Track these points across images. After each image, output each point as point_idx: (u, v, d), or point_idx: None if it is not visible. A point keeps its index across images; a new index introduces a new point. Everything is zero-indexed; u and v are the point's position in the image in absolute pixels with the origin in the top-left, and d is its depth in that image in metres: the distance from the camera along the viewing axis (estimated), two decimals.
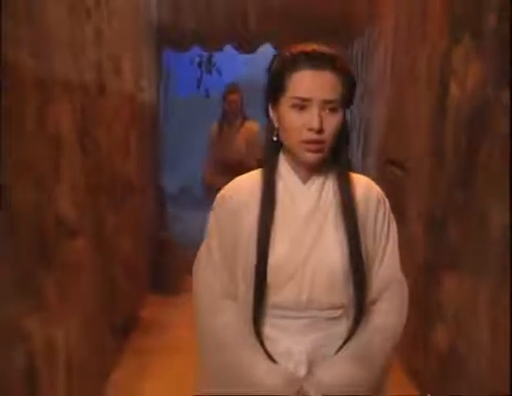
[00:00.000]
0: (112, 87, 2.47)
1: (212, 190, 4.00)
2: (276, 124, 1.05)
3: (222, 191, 1.12)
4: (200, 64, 4.47)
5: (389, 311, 1.09)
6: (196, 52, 4.19)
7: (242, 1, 3.80)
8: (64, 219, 1.78)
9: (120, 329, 2.71)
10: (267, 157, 1.10)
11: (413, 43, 2.64)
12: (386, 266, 1.09)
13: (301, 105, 0.98)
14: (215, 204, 1.13)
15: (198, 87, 4.72)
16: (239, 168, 3.57)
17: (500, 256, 1.71)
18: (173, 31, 3.81)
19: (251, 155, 3.60)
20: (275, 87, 1.02)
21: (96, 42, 2.19)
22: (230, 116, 3.65)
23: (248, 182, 1.11)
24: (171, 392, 2.25)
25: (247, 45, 3.98)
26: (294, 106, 0.99)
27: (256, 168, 1.13)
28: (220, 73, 4.47)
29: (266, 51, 4.00)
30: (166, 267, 3.63)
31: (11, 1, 1.34)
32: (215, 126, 3.77)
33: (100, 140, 2.26)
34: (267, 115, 1.08)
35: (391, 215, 1.11)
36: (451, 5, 2.13)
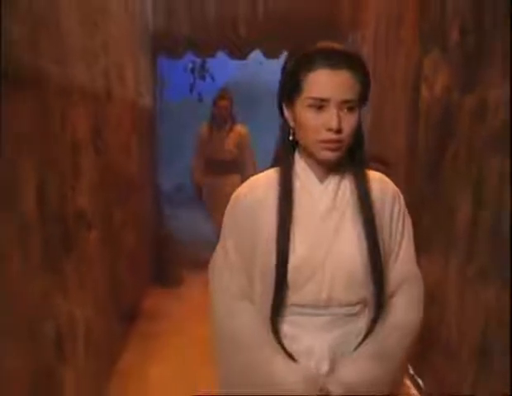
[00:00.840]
0: (117, 94, 2.69)
1: (201, 189, 4.23)
2: (291, 124, 1.05)
3: (237, 191, 1.12)
4: (193, 70, 4.68)
5: (406, 307, 1.09)
6: (190, 58, 4.39)
7: (233, 10, 4.02)
8: (83, 213, 2.00)
9: (126, 316, 2.93)
10: (282, 157, 1.08)
11: (391, 50, 2.89)
12: (402, 262, 1.09)
13: (319, 105, 0.97)
14: (230, 204, 1.12)
15: (191, 91, 4.93)
16: (230, 168, 3.81)
17: (464, 239, 1.96)
18: (167, 39, 4.02)
19: (242, 156, 3.84)
20: (290, 87, 1.01)
21: (103, 52, 2.42)
22: (220, 120, 3.83)
23: (264, 181, 1.10)
24: (173, 369, 2.50)
25: (238, 52, 4.20)
26: (311, 105, 0.98)
27: (269, 168, 1.12)
28: (213, 78, 4.69)
29: (256, 57, 4.24)
30: (167, 261, 3.85)
31: (34, 14, 1.56)
32: (204, 127, 3.93)
33: (108, 142, 2.48)
34: (282, 115, 1.08)
35: (406, 211, 1.11)
36: (422, 20, 2.38)
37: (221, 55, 4.28)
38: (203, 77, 4.82)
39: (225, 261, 1.10)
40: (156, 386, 2.39)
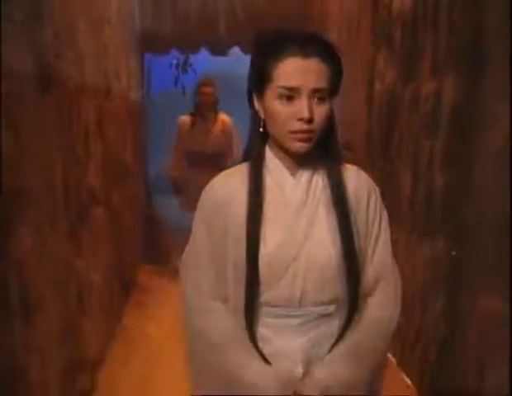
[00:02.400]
0: (114, 90, 3.07)
1: (181, 184, 3.76)
2: (262, 115, 1.01)
3: (207, 186, 1.08)
4: (177, 66, 5.05)
5: (383, 303, 1.07)
6: (174, 55, 4.76)
7: (213, 10, 4.40)
8: (93, 190, 2.39)
9: (125, 287, 3.33)
10: (253, 149, 1.04)
11: (352, 49, 3.32)
12: (379, 257, 1.06)
13: (289, 94, 0.93)
14: (200, 199, 1.08)
15: (176, 84, 5.30)
16: (216, 161, 3.81)
17: (409, 213, 2.41)
18: (153, 37, 4.38)
19: (229, 146, 3.59)
20: (260, 77, 0.97)
21: (104, 53, 2.79)
22: (204, 109, 3.57)
23: (235, 175, 1.06)
24: (166, 327, 2.86)
25: (218, 49, 4.59)
26: (281, 95, 0.94)
27: (241, 162, 1.08)
28: (195, 72, 5.06)
29: (237, 53, 4.62)
30: (156, 241, 4.24)
31: (56, 22, 1.94)
32: (184, 120, 3.67)
33: (108, 133, 2.86)
34: (251, 105, 1.03)
35: (382, 204, 1.08)
36: (375, 22, 2.82)
37: (203, 52, 4.65)
38: (185, 71, 5.19)
39: (196, 259, 1.07)
40: (154, 340, 2.80)
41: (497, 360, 1.63)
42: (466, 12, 1.88)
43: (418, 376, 2.27)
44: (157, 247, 4.30)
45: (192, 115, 3.64)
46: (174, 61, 4.96)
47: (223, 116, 3.68)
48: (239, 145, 3.55)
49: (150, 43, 4.37)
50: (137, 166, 3.96)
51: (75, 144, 2.13)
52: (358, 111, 3.16)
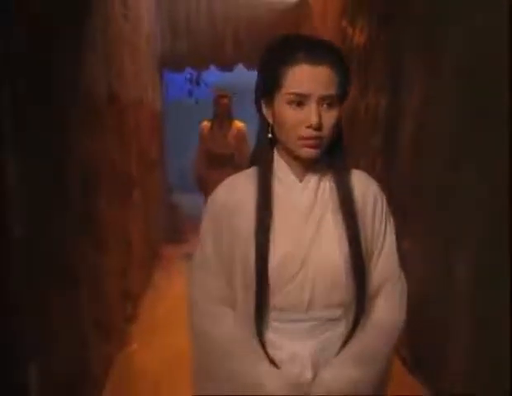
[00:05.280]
0: (145, 101, 3.98)
1: (204, 181, 4.51)
2: (270, 121, 1.02)
3: (215, 190, 1.09)
4: (191, 80, 6.01)
5: (389, 307, 1.08)
6: (188, 71, 5.71)
7: (221, 34, 5.31)
8: (132, 176, 3.30)
9: (151, 258, 4.22)
10: (261, 155, 1.05)
11: None
12: (385, 261, 1.08)
13: (299, 101, 0.94)
14: (207, 205, 1.09)
15: (190, 95, 6.29)
16: (230, 162, 4.65)
17: None
18: (171, 57, 5.30)
19: (240, 150, 4.05)
20: (269, 83, 0.98)
21: (138, 72, 3.69)
22: (221, 116, 4.14)
23: (242, 180, 1.07)
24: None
25: (225, 65, 5.50)
26: (291, 102, 0.95)
27: (248, 166, 1.09)
28: (207, 85, 6.01)
29: (241, 69, 5.53)
30: (176, 224, 5.16)
31: (102, 47, 2.85)
32: (205, 125, 4.24)
33: (141, 133, 3.77)
34: (260, 111, 1.04)
35: (388, 210, 1.09)
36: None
37: (212, 68, 5.58)
38: (198, 84, 6.14)
39: (204, 265, 1.07)
40: (177, 291, 3.65)
41: None
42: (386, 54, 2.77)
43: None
44: (177, 228, 5.22)
45: (212, 120, 4.23)
46: (188, 76, 5.90)
47: (238, 123, 4.22)
48: (249, 149, 4.03)
49: (169, 61, 5.30)
50: (160, 159, 4.89)
51: (125, 142, 3.03)
52: None
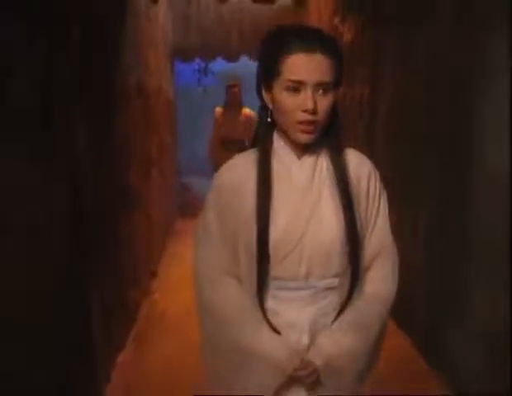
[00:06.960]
0: (162, 90, 4.50)
1: (218, 164, 5.43)
2: (270, 106, 1.07)
3: (220, 170, 1.15)
4: (199, 70, 6.55)
5: (382, 278, 1.14)
6: (197, 61, 6.24)
7: (227, 27, 5.81)
8: (152, 158, 3.84)
9: (167, 228, 4.78)
10: (261, 137, 1.10)
11: None
12: (378, 235, 1.13)
13: (296, 87, 0.99)
14: (212, 183, 1.14)
15: (199, 83, 6.83)
16: (241, 146, 5.15)
17: None
18: (182, 49, 5.81)
19: (249, 135, 4.34)
20: (269, 71, 1.03)
21: (155, 63, 4.20)
22: (232, 103, 4.46)
23: (245, 160, 1.12)
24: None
25: (231, 56, 6.00)
26: (288, 88, 1.00)
27: (250, 148, 1.14)
28: (213, 74, 6.54)
29: (245, 60, 6.03)
30: (188, 201, 5.73)
31: (130, 45, 3.37)
32: (219, 111, 4.57)
33: (160, 122, 4.29)
34: (261, 97, 1.09)
35: (382, 186, 1.14)
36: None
37: (219, 59, 6.08)
38: (206, 74, 6.68)
39: (208, 237, 1.13)
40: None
41: None
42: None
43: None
44: (189, 205, 5.77)
45: (224, 107, 4.58)
46: (197, 66, 6.44)
47: (247, 110, 4.55)
48: None
49: (180, 53, 5.80)
50: (172, 146, 5.43)
51: (148, 127, 3.57)
52: None
